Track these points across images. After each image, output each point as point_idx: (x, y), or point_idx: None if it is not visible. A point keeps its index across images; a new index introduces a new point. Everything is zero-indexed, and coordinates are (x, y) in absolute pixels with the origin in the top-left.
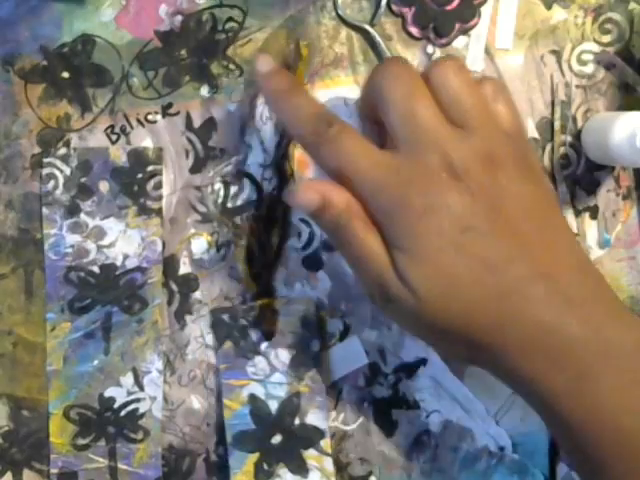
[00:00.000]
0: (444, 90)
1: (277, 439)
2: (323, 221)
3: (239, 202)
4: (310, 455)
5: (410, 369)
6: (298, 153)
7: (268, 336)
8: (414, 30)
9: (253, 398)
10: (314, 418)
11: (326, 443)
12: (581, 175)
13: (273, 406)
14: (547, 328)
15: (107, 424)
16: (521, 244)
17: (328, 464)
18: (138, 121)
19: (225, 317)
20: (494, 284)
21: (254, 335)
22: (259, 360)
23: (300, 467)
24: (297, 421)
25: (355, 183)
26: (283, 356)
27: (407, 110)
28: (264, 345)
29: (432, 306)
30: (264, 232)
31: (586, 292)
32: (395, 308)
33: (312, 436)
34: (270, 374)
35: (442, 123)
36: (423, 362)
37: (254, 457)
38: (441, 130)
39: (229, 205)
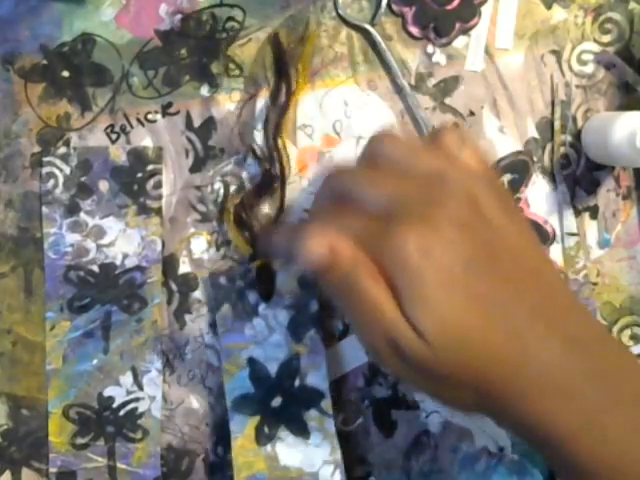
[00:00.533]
0: (391, 163)
1: (277, 401)
2: (329, 276)
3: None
4: (311, 416)
5: None
6: (298, 154)
7: (266, 298)
8: (414, 30)
9: (252, 361)
10: (314, 379)
11: (327, 404)
12: (581, 175)
13: (272, 368)
14: (552, 369)
15: (106, 423)
16: (517, 283)
17: (329, 425)
18: (138, 120)
19: (222, 280)
20: (502, 326)
21: (252, 297)
22: (257, 322)
23: (301, 429)
24: (297, 382)
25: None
26: (281, 317)
27: (375, 189)
28: (262, 307)
29: (444, 353)
30: (255, 202)
31: (582, 329)
32: (405, 362)
33: (313, 397)
34: (269, 336)
35: (411, 185)
36: None
37: (255, 420)
38: (416, 188)
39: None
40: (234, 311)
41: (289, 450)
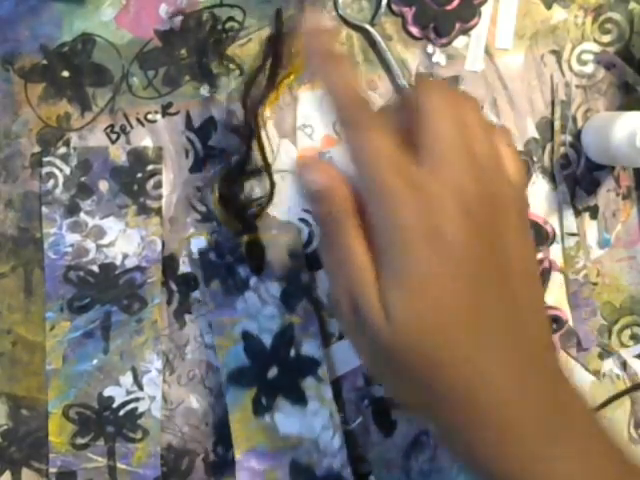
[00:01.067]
0: (467, 125)
1: (273, 372)
2: (319, 207)
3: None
4: (308, 384)
5: None
6: (299, 153)
7: (257, 271)
8: (414, 30)
9: (246, 335)
10: (309, 348)
11: (323, 371)
12: (581, 175)
13: (267, 340)
14: (507, 400)
15: (106, 423)
16: (508, 301)
17: (326, 391)
18: (138, 120)
19: (211, 256)
20: (473, 335)
21: (242, 271)
22: (249, 295)
23: (299, 397)
24: (292, 352)
25: (369, 182)
26: (273, 289)
27: (448, 130)
28: (253, 280)
29: (404, 336)
30: (237, 179)
31: (539, 362)
32: (360, 327)
33: (308, 365)
34: (261, 308)
35: (470, 152)
36: None
37: (251, 392)
38: (467, 159)
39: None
40: (224, 286)
41: (288, 419)
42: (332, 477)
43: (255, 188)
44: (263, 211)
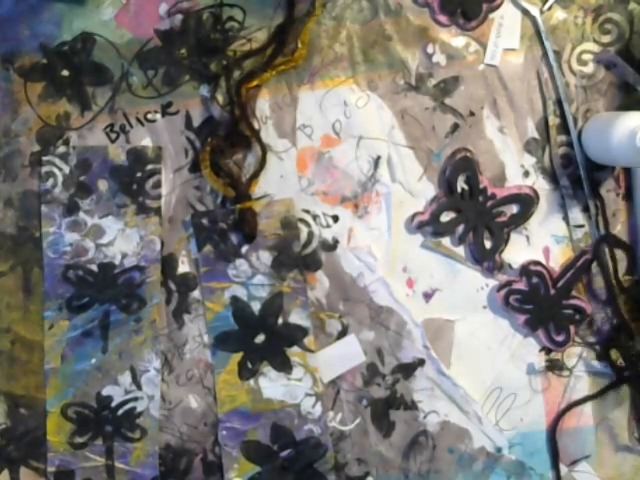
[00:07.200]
0: None
1: (260, 338)
2: None
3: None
4: (294, 352)
5: (408, 370)
6: (298, 154)
7: (249, 239)
8: (442, 18)
9: (235, 300)
10: (297, 317)
11: (309, 340)
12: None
13: (256, 307)
14: None
15: (104, 423)
16: None
17: (311, 360)
18: (137, 120)
19: (204, 221)
20: None
21: (234, 238)
22: (240, 263)
23: (284, 364)
24: (280, 320)
25: None
26: (264, 258)
27: None
28: (245, 248)
29: None
30: (225, 147)
31: None
32: None
33: (295, 334)
34: (252, 276)
35: None
36: (421, 363)
37: (238, 356)
38: None
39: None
40: (216, 251)
41: (272, 384)
42: (311, 442)
43: (248, 158)
44: (255, 178)
